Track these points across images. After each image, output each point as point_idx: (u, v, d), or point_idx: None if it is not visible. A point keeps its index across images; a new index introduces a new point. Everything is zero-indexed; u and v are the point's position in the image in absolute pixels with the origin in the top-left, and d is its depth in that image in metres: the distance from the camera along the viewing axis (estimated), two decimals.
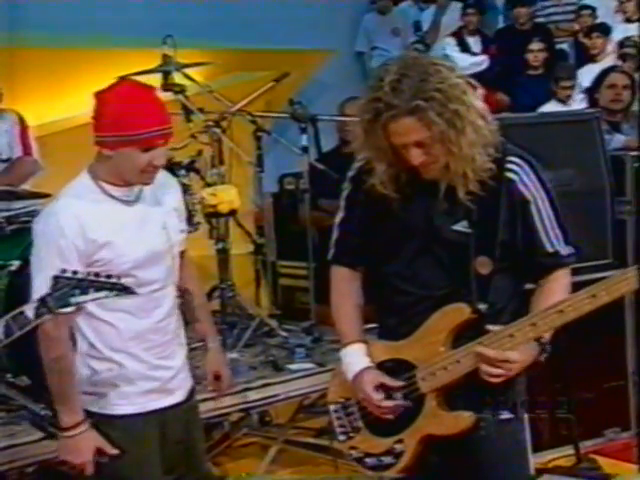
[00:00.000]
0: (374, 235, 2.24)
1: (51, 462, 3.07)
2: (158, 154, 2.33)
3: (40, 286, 2.17)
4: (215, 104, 4.30)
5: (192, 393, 2.54)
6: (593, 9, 7.15)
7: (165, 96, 4.20)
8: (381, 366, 2.24)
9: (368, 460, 2.27)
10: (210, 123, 4.03)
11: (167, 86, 4.09)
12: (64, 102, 3.96)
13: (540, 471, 3.81)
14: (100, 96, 2.35)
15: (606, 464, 3.81)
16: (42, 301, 1.96)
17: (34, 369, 3.03)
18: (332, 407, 2.33)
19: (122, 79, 2.40)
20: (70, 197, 2.37)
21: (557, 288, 2.17)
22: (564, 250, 2.18)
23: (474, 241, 2.11)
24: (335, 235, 2.34)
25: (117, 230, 2.33)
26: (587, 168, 3.90)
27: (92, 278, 1.99)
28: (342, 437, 2.31)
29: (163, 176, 2.50)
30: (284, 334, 4.03)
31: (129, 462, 2.39)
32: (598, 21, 7.01)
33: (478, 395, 2.14)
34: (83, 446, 2.34)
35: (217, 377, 2.62)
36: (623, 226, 3.96)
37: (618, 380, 3.97)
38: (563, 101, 5.94)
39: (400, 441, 2.20)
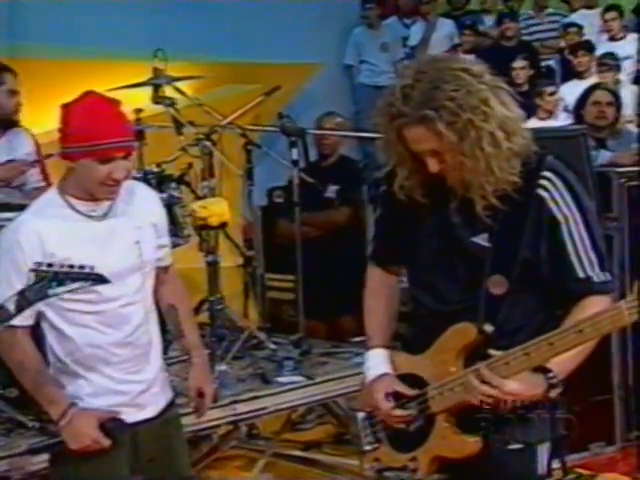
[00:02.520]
0: (399, 237, 2.18)
1: (38, 474, 3.07)
2: (117, 167, 2.31)
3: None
4: (205, 117, 4.31)
5: (169, 407, 2.51)
6: (580, 27, 7.24)
7: (155, 109, 4.23)
8: (400, 379, 2.18)
9: (388, 474, 2.23)
10: (200, 136, 4.04)
11: (158, 99, 4.10)
12: (54, 113, 3.97)
13: None
14: (65, 108, 2.35)
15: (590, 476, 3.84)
16: (22, 294, 2.01)
17: None
18: (360, 415, 2.27)
19: (88, 92, 2.39)
20: (33, 211, 2.37)
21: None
22: (597, 277, 2.03)
23: (491, 258, 2.02)
24: (373, 232, 2.28)
25: (79, 245, 2.30)
26: None
27: (67, 270, 2.03)
28: (367, 447, 2.26)
29: (141, 190, 2.49)
30: (273, 347, 4.04)
31: (97, 476, 2.36)
32: (584, 39, 7.11)
33: (489, 421, 2.07)
34: (82, 426, 2.31)
35: (200, 394, 2.57)
36: (609, 242, 4.01)
37: (604, 394, 3.99)
38: (543, 118, 6.04)
39: (414, 459, 2.16)
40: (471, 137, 1.95)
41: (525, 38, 7.56)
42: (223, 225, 3.91)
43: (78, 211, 2.35)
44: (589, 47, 6.85)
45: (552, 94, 6.20)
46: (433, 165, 2.01)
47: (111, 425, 2.33)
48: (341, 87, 7.27)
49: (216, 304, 3.99)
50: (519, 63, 6.79)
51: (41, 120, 4.03)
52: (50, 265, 2.03)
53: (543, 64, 7.37)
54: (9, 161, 3.83)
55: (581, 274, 2.04)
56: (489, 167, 1.97)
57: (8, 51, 4.92)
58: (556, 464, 3.81)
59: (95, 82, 4.38)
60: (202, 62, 5.52)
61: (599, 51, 6.84)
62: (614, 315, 1.89)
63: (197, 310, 3.93)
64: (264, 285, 4.51)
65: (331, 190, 4.62)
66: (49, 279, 2.01)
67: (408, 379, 2.17)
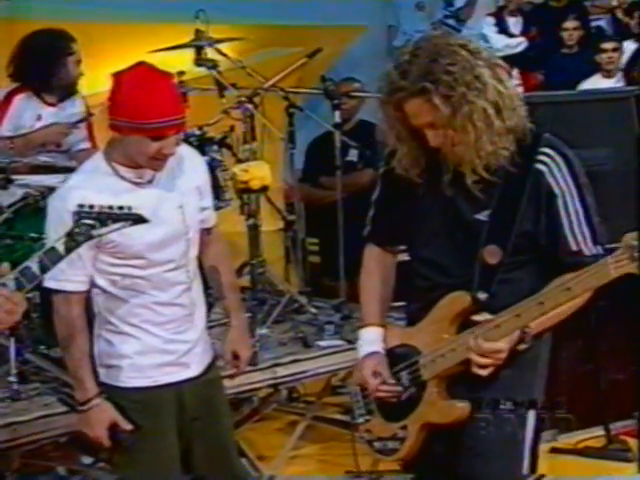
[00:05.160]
0: (402, 214, 2.23)
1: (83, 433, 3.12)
2: (168, 143, 2.31)
3: None
4: (248, 80, 4.29)
5: (211, 367, 2.55)
6: None
7: (198, 71, 4.22)
8: (393, 351, 2.25)
9: (376, 444, 2.29)
10: (243, 99, 4.03)
11: (200, 61, 4.10)
12: (92, 75, 3.97)
13: (570, 452, 3.83)
14: (116, 78, 2.33)
15: (636, 445, 3.79)
16: (69, 236, 2.05)
17: None
18: (353, 389, 2.35)
19: (140, 62, 2.36)
20: (81, 179, 2.39)
21: None
22: (589, 250, 2.10)
23: (487, 228, 2.09)
24: (371, 212, 2.33)
25: None
26: (623, 147, 3.86)
27: (107, 211, 2.07)
28: (360, 419, 2.33)
29: (186, 153, 2.49)
30: (313, 311, 4.04)
31: (145, 434, 2.42)
32: None
33: (478, 387, 2.13)
34: (95, 420, 2.39)
35: (236, 357, 2.61)
36: None
37: None
38: (607, 75, 5.85)
39: (404, 427, 2.22)
40: (463, 111, 2.02)
41: None
42: (264, 189, 3.91)
43: (124, 178, 2.37)
44: None
45: (615, 50, 5.98)
46: (433, 138, 2.08)
47: (120, 431, 2.39)
48: (384, 50, 7.17)
49: (257, 267, 4.01)
50: (571, 23, 6.63)
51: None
52: (91, 207, 2.05)
53: (593, 24, 7.19)
54: (52, 124, 3.86)
55: (574, 247, 2.10)
56: (479, 141, 2.04)
57: (10, 11, 4.86)
58: (601, 431, 3.83)
59: (134, 46, 4.39)
60: (244, 24, 5.48)
61: None
62: (599, 270, 1.95)
63: (238, 273, 3.93)
64: (305, 249, 4.50)
65: (352, 153, 4.62)
66: (92, 219, 2.05)
67: (402, 350, 2.23)
